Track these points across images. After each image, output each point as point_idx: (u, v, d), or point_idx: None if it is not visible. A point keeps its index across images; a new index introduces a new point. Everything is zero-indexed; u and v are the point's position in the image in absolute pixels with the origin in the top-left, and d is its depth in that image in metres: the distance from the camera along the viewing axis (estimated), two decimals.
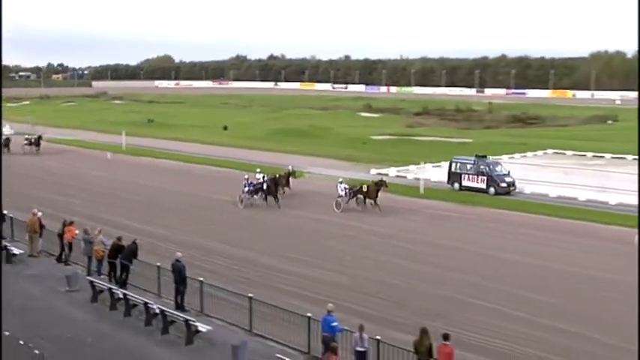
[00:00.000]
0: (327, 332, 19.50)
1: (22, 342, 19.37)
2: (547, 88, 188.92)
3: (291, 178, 47.35)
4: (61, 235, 30.23)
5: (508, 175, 47.84)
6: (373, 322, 22.12)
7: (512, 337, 22.17)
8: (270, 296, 23.73)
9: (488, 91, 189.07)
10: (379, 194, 41.80)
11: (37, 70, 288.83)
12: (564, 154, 67.05)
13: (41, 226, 31.42)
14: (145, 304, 23.36)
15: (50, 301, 25.72)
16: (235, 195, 44.18)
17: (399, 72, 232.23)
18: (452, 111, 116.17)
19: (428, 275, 29.08)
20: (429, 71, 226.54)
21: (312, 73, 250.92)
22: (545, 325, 23.26)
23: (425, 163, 55.45)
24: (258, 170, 47.24)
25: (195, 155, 66.63)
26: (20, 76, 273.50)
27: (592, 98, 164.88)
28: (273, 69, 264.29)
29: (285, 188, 46.48)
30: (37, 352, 18.79)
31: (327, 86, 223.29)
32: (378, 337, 18.98)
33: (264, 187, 43.49)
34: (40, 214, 31.76)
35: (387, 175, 53.94)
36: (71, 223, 30.43)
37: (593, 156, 65.07)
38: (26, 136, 72.19)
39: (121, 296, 24.47)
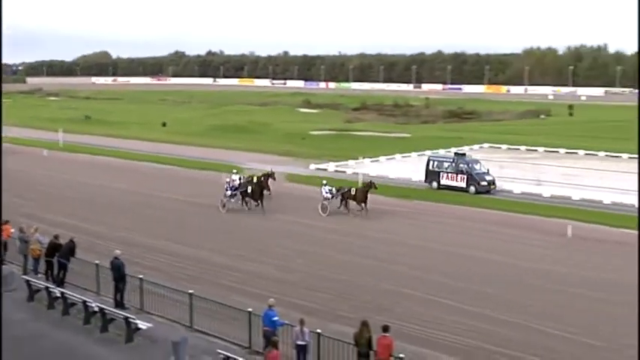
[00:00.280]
0: (269, 327, 19.63)
1: None
2: (482, 84, 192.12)
3: (270, 180, 44.14)
4: None
5: (488, 173, 46.93)
6: (316, 316, 22.42)
7: (453, 329, 22.60)
8: (213, 292, 23.71)
9: (426, 87, 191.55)
10: (368, 196, 39.74)
11: None
12: (499, 148, 68.41)
13: None
14: (84, 302, 23.11)
15: None
16: (177, 192, 44.01)
17: (337, 68, 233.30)
18: (390, 106, 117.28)
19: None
20: (367, 67, 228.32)
21: (251, 69, 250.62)
22: (487, 317, 23.73)
23: (364, 158, 55.94)
24: (234, 171, 44.57)
25: (134, 152, 65.94)
26: None
27: (525, 93, 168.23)
28: (212, 65, 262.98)
29: (265, 191, 43.07)
30: None
31: (266, 82, 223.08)
32: (318, 331, 19.19)
33: (248, 190, 41.18)
34: None
35: (326, 170, 54.35)
36: (6, 222, 29.87)
37: (527, 150, 66.46)
38: None
39: (59, 295, 24.16)
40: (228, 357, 19.16)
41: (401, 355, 17.66)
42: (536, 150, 66.21)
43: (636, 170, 49.62)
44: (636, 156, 51.18)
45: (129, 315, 21.99)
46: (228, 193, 41.18)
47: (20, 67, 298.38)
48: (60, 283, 25.75)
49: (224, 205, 40.90)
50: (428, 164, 48.51)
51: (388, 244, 33.43)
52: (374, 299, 25.54)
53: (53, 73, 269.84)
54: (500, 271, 29.28)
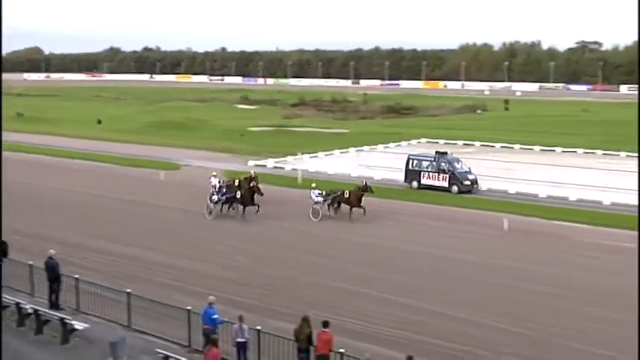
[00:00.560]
0: (208, 325, 19.46)
1: None
2: (420, 79, 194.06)
3: (253, 184, 40.17)
4: None
5: (470, 172, 45.77)
6: (257, 313, 22.37)
7: (393, 322, 22.74)
8: (151, 291, 23.41)
9: (364, 82, 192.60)
10: (363, 200, 37.79)
11: None
12: (437, 142, 69.04)
13: None
14: (17, 304, 22.57)
15: None
16: (113, 190, 43.28)
17: (275, 64, 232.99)
18: (328, 102, 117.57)
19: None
20: (305, 63, 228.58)
21: (189, 65, 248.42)
22: (427, 310, 23.94)
23: (302, 153, 55.93)
24: (213, 174, 41.25)
25: (68, 150, 64.64)
26: None
27: (462, 89, 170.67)
28: (148, 61, 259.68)
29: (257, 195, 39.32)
30: None
31: (203, 78, 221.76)
32: (258, 328, 19.11)
33: (238, 195, 38.08)
34: None
35: (264, 166, 54.20)
36: None
37: (464, 144, 67.31)
38: None
39: None
40: (168, 356, 18.97)
41: (341, 350, 17.69)
42: (473, 144, 67.10)
43: (566, 163, 50.95)
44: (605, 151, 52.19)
45: (64, 316, 21.58)
46: (215, 198, 38.20)
47: None
48: None
49: (210, 212, 37.89)
50: (407, 163, 46.99)
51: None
52: (323, 297, 25.40)
53: None
54: (438, 265, 29.59)
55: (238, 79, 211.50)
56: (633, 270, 27.82)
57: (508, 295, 25.64)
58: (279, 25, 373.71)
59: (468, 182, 44.72)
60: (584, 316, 23.49)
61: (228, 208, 38.47)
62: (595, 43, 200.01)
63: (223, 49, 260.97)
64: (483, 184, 45.46)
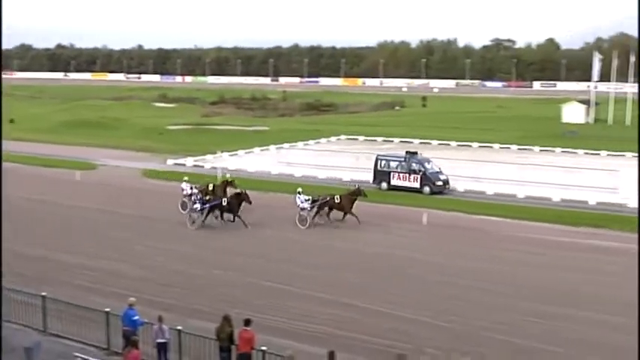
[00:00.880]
0: (129, 326, 19.12)
1: None
2: (339, 77, 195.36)
3: (229, 189, 38.71)
4: None
5: (441, 172, 44.63)
6: (178, 312, 22.13)
7: (317, 319, 22.74)
8: (68, 294, 22.82)
9: (283, 80, 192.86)
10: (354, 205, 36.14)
11: None
12: (356, 139, 69.68)
13: None
14: None
15: None
16: (25, 190, 42.00)
17: (194, 61, 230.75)
18: (247, 100, 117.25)
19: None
20: (224, 61, 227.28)
21: (105, 63, 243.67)
22: (352, 306, 24.00)
23: (222, 152, 55.52)
24: (185, 179, 39.41)
25: None
26: None
27: (381, 86, 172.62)
28: (62, 58, 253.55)
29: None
30: None
31: (120, 76, 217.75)
32: (179, 328, 18.88)
33: (224, 203, 35.60)
34: None
35: (184, 165, 53.65)
36: None
37: (384, 140, 67.99)
38: None
39: None
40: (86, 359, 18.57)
41: (263, 348, 17.61)
42: (391, 141, 67.83)
43: (482, 158, 51.99)
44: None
45: None
46: (197, 206, 35.35)
47: None
48: None
49: (193, 222, 35.10)
50: (376, 164, 45.64)
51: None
52: (244, 296, 25.19)
53: None
54: (369, 261, 29.78)
55: (156, 77, 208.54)
56: (562, 263, 28.83)
57: (437, 290, 25.84)
58: (197, 22, 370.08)
59: (440, 183, 43.68)
60: (517, 310, 23.73)
61: (214, 215, 35.79)
62: (509, 41, 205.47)
63: (140, 46, 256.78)
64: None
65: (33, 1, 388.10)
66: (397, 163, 45.10)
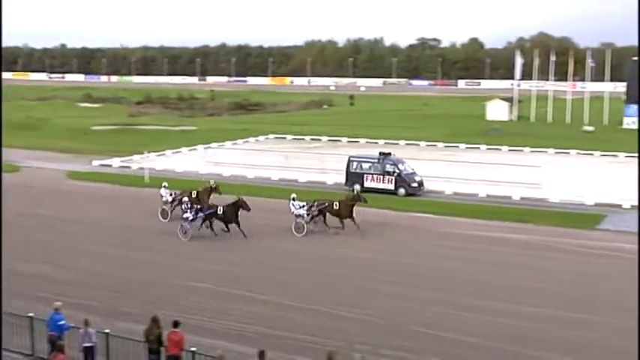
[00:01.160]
0: (55, 331, 18.71)
1: None
2: (266, 76, 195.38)
3: (213, 195, 37.06)
4: None
5: (415, 173, 43.73)
6: (104, 315, 21.75)
7: (248, 319, 22.60)
8: None
9: (210, 79, 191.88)
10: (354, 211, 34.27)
11: None
12: (285, 138, 69.70)
13: None
14: None
15: None
16: None
17: (119, 61, 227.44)
18: (175, 99, 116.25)
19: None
20: (150, 60, 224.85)
21: (26, 62, 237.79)
22: (287, 306, 23.94)
23: (149, 152, 54.84)
24: (164, 185, 37.34)
25: None
26: None
27: (308, 85, 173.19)
28: None
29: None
30: None
31: (42, 76, 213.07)
32: (106, 331, 18.59)
33: (220, 211, 32.97)
34: None
35: (110, 165, 52.83)
36: None
37: (311, 139, 68.20)
38: None
39: None
40: None
41: (192, 349, 17.48)
42: (320, 139, 68.07)
43: (410, 156, 52.56)
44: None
45: None
46: (188, 216, 32.73)
47: None
48: None
49: (185, 232, 32.43)
50: (348, 165, 44.25)
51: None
52: (172, 297, 24.89)
53: None
54: (307, 262, 29.79)
55: (80, 77, 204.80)
56: (500, 258, 29.31)
57: (375, 288, 25.92)
58: (122, 21, 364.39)
59: (415, 184, 42.76)
60: (448, 304, 23.99)
61: (206, 225, 33.26)
62: (434, 40, 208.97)
63: (63, 45, 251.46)
64: (329, 179, 46.06)
65: None
66: (370, 164, 43.87)
